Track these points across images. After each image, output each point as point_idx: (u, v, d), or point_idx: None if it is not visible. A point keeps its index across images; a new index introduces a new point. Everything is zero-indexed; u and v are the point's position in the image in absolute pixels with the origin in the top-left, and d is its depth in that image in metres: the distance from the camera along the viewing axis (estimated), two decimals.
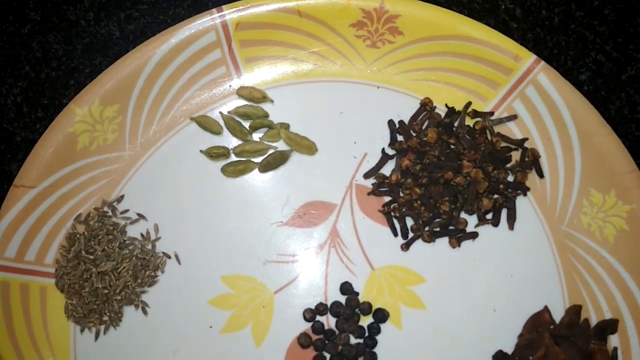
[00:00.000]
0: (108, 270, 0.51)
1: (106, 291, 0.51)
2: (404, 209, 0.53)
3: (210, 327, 0.53)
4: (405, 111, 0.56)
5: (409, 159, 0.53)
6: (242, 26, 0.54)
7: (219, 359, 0.52)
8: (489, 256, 0.54)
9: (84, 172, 0.53)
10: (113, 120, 0.54)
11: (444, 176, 0.52)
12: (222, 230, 0.54)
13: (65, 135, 0.52)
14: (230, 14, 0.53)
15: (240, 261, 0.54)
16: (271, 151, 0.55)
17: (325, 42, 0.56)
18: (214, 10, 0.53)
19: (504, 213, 0.54)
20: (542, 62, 0.54)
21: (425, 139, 0.54)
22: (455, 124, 0.55)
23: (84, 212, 0.54)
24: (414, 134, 0.54)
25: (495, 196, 0.54)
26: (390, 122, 0.55)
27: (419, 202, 0.53)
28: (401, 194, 0.54)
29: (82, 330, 0.52)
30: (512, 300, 0.53)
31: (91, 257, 0.52)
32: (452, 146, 0.53)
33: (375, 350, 0.52)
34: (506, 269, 0.54)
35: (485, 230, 0.54)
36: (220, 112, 0.55)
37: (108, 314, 0.52)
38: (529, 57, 0.54)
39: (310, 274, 0.54)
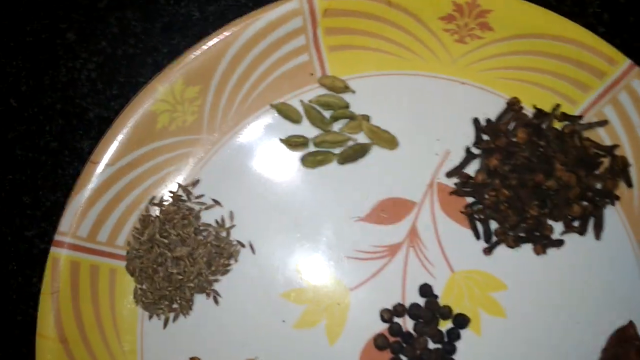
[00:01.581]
0: (184, 255, 0.48)
1: (180, 277, 0.48)
2: (488, 211, 0.50)
3: (283, 321, 0.49)
4: (490, 110, 0.52)
5: (496, 159, 0.49)
6: (329, 12, 0.50)
7: (291, 355, 0.48)
8: (573, 265, 0.50)
9: (160, 153, 0.50)
10: (193, 102, 0.50)
11: (535, 179, 0.48)
12: (297, 222, 0.50)
13: (146, 113, 0.49)
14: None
15: (316, 254, 0.50)
16: (351, 143, 0.51)
17: (411, 34, 0.52)
18: None
19: (590, 221, 0.50)
20: (638, 68, 0.50)
21: (514, 139, 0.50)
22: (543, 126, 0.51)
23: (159, 195, 0.50)
24: (500, 134, 0.51)
25: (584, 203, 0.50)
26: (476, 121, 0.51)
27: (505, 204, 0.49)
28: (486, 196, 0.50)
29: (150, 317, 0.49)
30: (596, 313, 0.49)
31: (165, 241, 0.48)
32: (542, 149, 0.50)
33: (454, 356, 0.49)
34: (591, 280, 0.50)
35: (571, 238, 0.50)
36: (301, 100, 0.52)
37: (179, 301, 0.48)
38: (624, 62, 0.50)
39: (387, 273, 0.50)
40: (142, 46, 0.54)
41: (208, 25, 0.54)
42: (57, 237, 0.47)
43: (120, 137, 0.48)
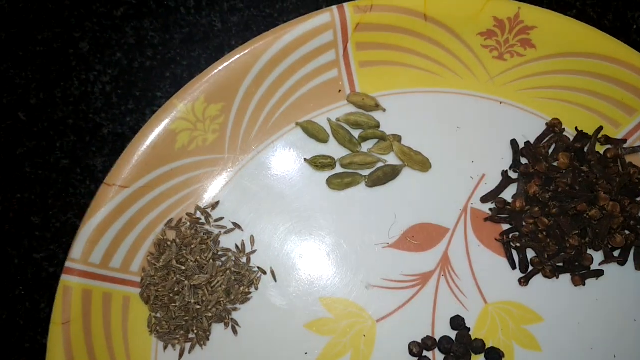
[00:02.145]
0: (202, 283, 0.45)
1: (198, 307, 0.45)
2: (526, 240, 0.47)
3: (306, 353, 0.46)
4: (529, 131, 0.49)
5: (536, 184, 0.47)
6: (362, 27, 0.47)
7: None
8: (612, 297, 0.47)
9: (179, 174, 0.47)
10: (215, 120, 0.47)
11: (577, 207, 0.45)
12: (322, 247, 0.48)
13: (165, 132, 0.46)
14: (352, 12, 0.47)
15: (341, 283, 0.47)
16: (381, 164, 0.48)
17: (447, 50, 0.49)
18: (334, 7, 0.47)
19: (632, 251, 0.48)
20: None
21: (555, 164, 0.47)
22: (585, 150, 0.48)
23: (176, 218, 0.47)
24: (540, 158, 0.48)
25: (626, 232, 0.47)
26: (514, 143, 0.49)
27: (544, 233, 0.46)
28: (524, 223, 0.47)
29: (165, 347, 0.46)
30: (634, 346, 0.47)
31: (183, 267, 0.45)
32: (584, 174, 0.47)
33: None
34: (630, 312, 0.47)
35: (610, 269, 0.48)
36: (329, 119, 0.49)
37: (196, 331, 0.46)
38: None
39: (416, 303, 0.47)
40: (160, 58, 0.51)
41: (230, 37, 0.51)
42: (68, 264, 0.44)
43: (137, 157, 0.45)
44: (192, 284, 0.45)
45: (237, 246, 0.47)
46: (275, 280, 0.47)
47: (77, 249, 0.44)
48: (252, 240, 0.47)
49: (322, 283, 0.47)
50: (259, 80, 0.47)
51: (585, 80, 0.48)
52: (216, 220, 0.47)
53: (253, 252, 0.47)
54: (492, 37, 0.48)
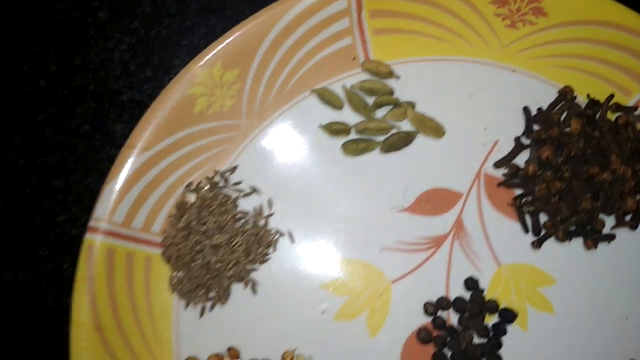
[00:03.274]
0: (222, 243, 0.47)
1: (218, 266, 0.47)
2: (538, 204, 0.49)
3: (323, 312, 0.49)
4: (541, 99, 0.51)
5: (549, 150, 0.48)
6: None
7: (331, 347, 0.48)
8: (624, 261, 0.49)
9: (198, 139, 0.49)
10: (232, 86, 0.49)
11: (589, 171, 0.47)
12: (338, 211, 0.49)
13: (184, 97, 0.48)
14: None
15: (357, 245, 0.49)
16: (395, 131, 0.50)
17: (460, 19, 0.51)
18: None
19: None
20: None
21: (566, 130, 0.49)
22: (596, 117, 0.50)
23: (195, 181, 0.49)
24: (553, 124, 0.50)
25: (638, 197, 0.49)
26: (526, 110, 0.50)
27: (556, 197, 0.48)
28: (537, 188, 0.49)
29: (186, 306, 0.48)
30: None
31: (203, 228, 0.48)
32: (595, 140, 0.49)
33: (499, 352, 0.48)
34: None
35: (621, 233, 0.49)
36: (343, 86, 0.51)
37: (216, 289, 0.48)
38: None
39: (431, 265, 0.49)
40: (177, 27, 0.53)
41: (246, 6, 0.53)
42: (92, 223, 0.46)
43: (157, 120, 0.47)
44: (212, 243, 0.47)
45: (255, 209, 0.49)
46: (293, 242, 0.49)
47: (101, 207, 0.46)
48: (270, 203, 0.49)
49: (339, 245, 0.49)
50: (274, 47, 0.49)
51: (596, 49, 0.50)
52: (234, 184, 0.50)
53: (271, 214, 0.49)
54: (504, 5, 0.50)
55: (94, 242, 0.46)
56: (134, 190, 0.47)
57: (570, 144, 0.48)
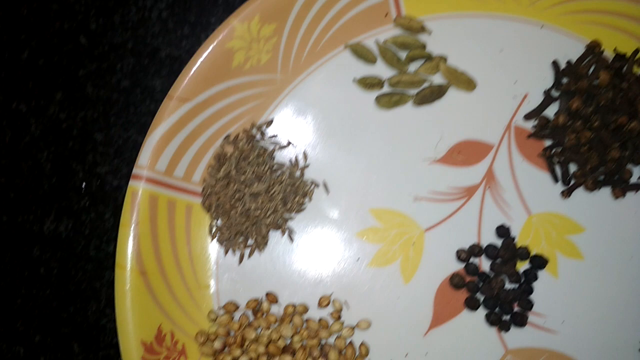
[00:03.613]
0: (261, 191, 0.49)
1: (257, 212, 0.49)
2: (568, 154, 0.50)
3: (358, 259, 0.50)
4: (569, 54, 0.52)
5: (579, 100, 0.50)
6: None
7: (366, 293, 0.50)
8: None
9: (235, 92, 0.50)
10: (269, 40, 0.51)
11: (618, 120, 0.49)
12: (372, 162, 0.51)
13: (223, 50, 0.49)
14: None
15: (390, 195, 0.51)
16: (427, 84, 0.52)
17: None
18: None
19: None
20: None
21: (595, 82, 0.51)
22: (623, 70, 0.52)
23: (233, 133, 0.51)
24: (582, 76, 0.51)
25: None
26: (555, 63, 0.52)
27: (586, 146, 0.50)
28: (566, 138, 0.50)
29: (225, 253, 0.50)
30: None
31: (242, 177, 0.49)
32: (623, 91, 0.50)
33: (530, 297, 0.49)
34: None
35: None
36: (376, 41, 0.52)
37: (255, 237, 0.50)
38: None
39: (463, 214, 0.50)
40: None
41: None
42: (136, 171, 0.48)
43: (197, 72, 0.49)
44: (251, 191, 0.49)
45: (291, 161, 0.51)
46: (328, 192, 0.51)
47: (144, 156, 0.48)
48: (305, 155, 0.51)
49: (372, 195, 0.51)
50: (310, 3, 0.50)
51: (623, 5, 0.51)
52: (271, 137, 0.51)
53: (306, 166, 0.51)
54: None
55: (138, 189, 0.48)
56: (175, 140, 0.49)
57: (599, 95, 0.50)
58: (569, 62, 0.51)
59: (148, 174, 0.48)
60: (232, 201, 0.49)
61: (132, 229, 0.47)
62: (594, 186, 0.50)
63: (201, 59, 0.49)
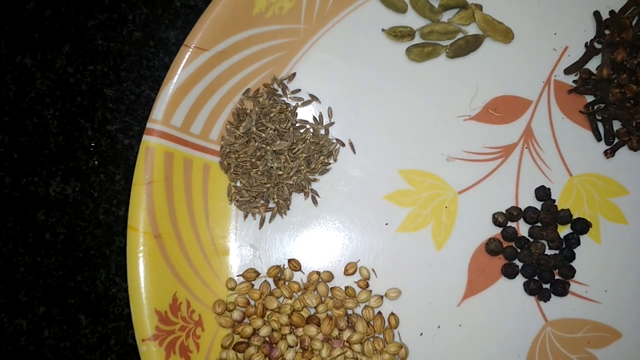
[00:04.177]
0: (284, 149, 0.45)
1: (280, 172, 0.45)
2: (612, 109, 0.47)
3: (386, 224, 0.47)
4: (611, 3, 0.49)
5: (624, 51, 0.46)
6: None
7: (394, 260, 0.46)
8: None
9: (256, 42, 0.47)
10: None
11: None
12: (402, 120, 0.47)
13: None
14: None
15: (421, 155, 0.47)
16: (461, 35, 0.48)
17: None
18: None
19: None
20: None
21: None
22: None
23: (253, 88, 0.47)
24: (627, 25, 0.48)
25: None
26: (597, 14, 0.48)
27: (631, 101, 0.46)
28: (610, 93, 0.47)
29: (245, 216, 0.47)
30: None
31: (263, 135, 0.46)
32: None
33: (572, 264, 0.46)
34: None
35: None
36: None
37: (276, 199, 0.46)
38: None
39: (499, 175, 0.47)
40: None
41: None
42: (149, 125, 0.44)
43: (216, 19, 0.45)
44: (274, 149, 0.45)
45: (314, 118, 0.47)
46: (354, 152, 0.47)
47: (159, 109, 0.44)
48: (330, 112, 0.48)
49: (402, 155, 0.47)
50: None
51: None
52: (293, 92, 0.48)
53: (331, 124, 0.47)
54: None
55: (152, 145, 0.44)
56: (192, 93, 0.45)
57: None
58: (611, 12, 0.48)
59: (163, 128, 0.44)
60: (253, 160, 0.45)
61: (145, 187, 0.44)
62: (639, 145, 0.46)
63: (220, 5, 0.45)
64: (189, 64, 0.45)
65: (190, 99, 0.45)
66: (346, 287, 0.46)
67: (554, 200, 0.46)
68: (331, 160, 0.47)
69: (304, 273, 0.46)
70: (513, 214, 0.46)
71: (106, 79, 0.49)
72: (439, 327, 0.46)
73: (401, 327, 0.46)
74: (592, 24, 0.48)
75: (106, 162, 0.49)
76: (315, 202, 0.47)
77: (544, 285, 0.46)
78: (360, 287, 0.46)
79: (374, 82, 0.48)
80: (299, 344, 0.45)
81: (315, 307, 0.45)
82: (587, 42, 0.48)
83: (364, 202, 0.47)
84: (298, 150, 0.46)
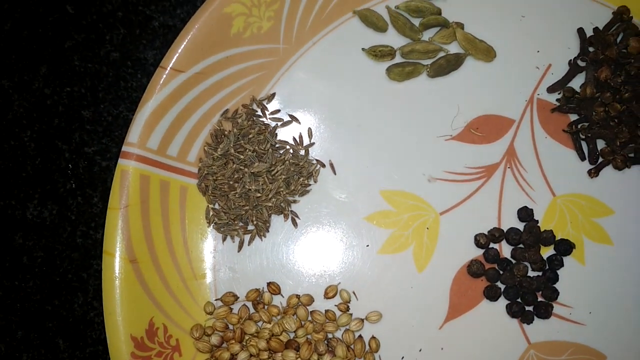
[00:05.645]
0: (262, 171, 0.45)
1: (258, 195, 0.45)
2: (596, 128, 0.46)
3: (367, 245, 0.46)
4: (595, 21, 0.48)
5: (607, 70, 0.46)
6: None
7: (375, 282, 0.46)
8: None
9: (234, 63, 0.46)
10: (270, 6, 0.46)
11: None
12: (383, 140, 0.47)
13: (220, 16, 0.45)
14: None
15: (402, 176, 0.47)
16: (442, 54, 0.48)
17: None
18: None
19: None
20: None
21: (624, 50, 0.47)
22: None
23: (232, 109, 0.47)
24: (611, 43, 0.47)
25: None
26: (581, 31, 0.48)
27: (615, 120, 0.46)
28: (594, 112, 0.46)
29: (223, 239, 0.46)
30: None
31: (241, 156, 0.45)
32: None
33: (556, 285, 0.46)
34: None
35: None
36: (387, 6, 0.48)
37: (255, 222, 0.46)
38: None
39: (481, 196, 0.46)
40: None
41: None
42: (125, 148, 0.44)
43: (193, 40, 0.45)
44: (252, 171, 0.45)
45: (294, 139, 0.47)
46: (335, 173, 0.47)
47: (135, 132, 0.44)
48: (310, 132, 0.47)
49: (383, 176, 0.47)
50: None
51: None
52: (272, 113, 0.47)
53: (311, 144, 0.47)
54: None
55: (128, 169, 0.44)
56: (168, 115, 0.45)
57: (629, 64, 0.46)
58: (596, 29, 0.47)
59: (139, 152, 0.44)
60: (231, 182, 0.45)
61: (121, 212, 0.43)
62: (623, 164, 0.46)
63: (197, 25, 0.45)
64: (165, 86, 0.44)
65: (167, 120, 0.45)
66: (326, 311, 0.45)
67: (537, 221, 0.46)
68: (311, 182, 0.47)
69: (283, 296, 0.46)
70: (495, 235, 0.45)
71: (83, 101, 0.49)
72: (420, 350, 0.45)
73: (382, 351, 0.45)
74: (576, 41, 0.48)
75: (83, 184, 0.48)
76: (295, 223, 0.46)
77: (527, 308, 0.45)
78: (341, 311, 0.45)
79: (355, 102, 0.47)
80: None
81: (294, 331, 0.45)
82: (570, 60, 0.47)
83: (345, 223, 0.46)
84: (277, 172, 0.45)
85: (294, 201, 0.46)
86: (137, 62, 0.49)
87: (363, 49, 0.47)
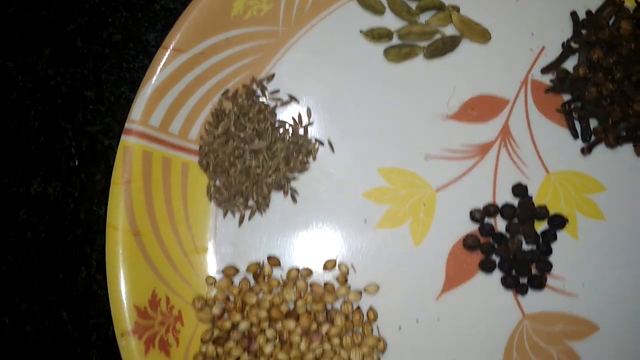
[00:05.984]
0: (262, 148, 0.46)
1: (258, 171, 0.46)
2: (589, 108, 0.47)
3: (365, 221, 0.47)
4: (588, 3, 0.49)
5: (600, 51, 0.47)
6: None
7: (373, 257, 0.47)
8: None
9: (234, 44, 0.47)
10: None
11: None
12: (380, 119, 0.48)
13: None
14: None
15: (399, 153, 0.48)
16: (439, 36, 0.49)
17: None
18: None
19: None
20: None
21: (616, 32, 0.48)
22: None
23: (232, 89, 0.48)
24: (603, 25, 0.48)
25: None
26: (574, 14, 0.49)
27: (608, 100, 0.47)
28: (587, 92, 0.48)
29: (224, 214, 0.47)
30: None
31: (241, 134, 0.46)
32: None
33: (549, 258, 0.47)
34: None
35: None
36: None
37: (255, 197, 0.47)
38: None
39: (477, 173, 0.47)
40: None
41: None
42: (128, 125, 0.45)
43: (193, 21, 0.46)
44: (252, 148, 0.46)
45: (293, 118, 0.48)
46: (333, 151, 0.48)
47: (137, 110, 0.45)
48: (309, 112, 0.48)
49: (381, 154, 0.48)
50: None
51: None
52: (272, 93, 0.48)
53: (310, 124, 0.48)
54: None
55: (130, 145, 0.45)
56: (170, 94, 0.46)
57: (621, 46, 0.47)
58: (588, 12, 0.49)
59: (141, 129, 0.45)
60: (231, 159, 0.46)
61: (124, 186, 0.44)
62: (615, 142, 0.47)
63: (198, 7, 0.46)
64: (167, 66, 0.46)
65: (169, 99, 0.46)
66: (325, 283, 0.46)
67: (531, 197, 0.47)
68: (310, 159, 0.48)
69: (283, 269, 0.47)
70: (490, 210, 0.46)
71: (86, 81, 0.50)
72: (417, 320, 0.46)
73: (380, 321, 0.46)
74: (569, 24, 0.49)
75: (86, 162, 0.49)
76: (294, 199, 0.47)
77: (521, 279, 0.46)
78: (339, 283, 0.46)
79: (353, 83, 0.48)
80: (277, 338, 0.45)
81: (294, 302, 0.46)
82: (564, 42, 0.49)
83: (343, 200, 0.47)
84: (276, 149, 0.46)
85: (294, 178, 0.47)
86: (139, 44, 0.50)
87: (361, 31, 0.49)
